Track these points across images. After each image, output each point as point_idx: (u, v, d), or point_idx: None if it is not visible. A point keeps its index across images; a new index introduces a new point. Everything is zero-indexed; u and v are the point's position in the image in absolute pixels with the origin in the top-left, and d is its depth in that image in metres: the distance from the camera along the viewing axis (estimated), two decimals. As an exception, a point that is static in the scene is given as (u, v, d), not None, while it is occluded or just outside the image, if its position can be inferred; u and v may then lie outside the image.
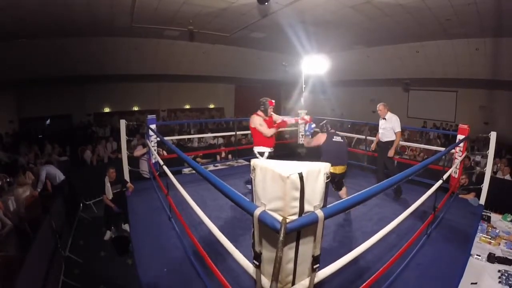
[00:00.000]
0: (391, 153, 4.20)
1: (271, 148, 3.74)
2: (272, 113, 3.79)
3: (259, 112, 3.71)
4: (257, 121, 3.62)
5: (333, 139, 3.38)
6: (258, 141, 3.69)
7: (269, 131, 3.60)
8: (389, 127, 4.23)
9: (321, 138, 3.39)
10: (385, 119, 4.27)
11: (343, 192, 3.51)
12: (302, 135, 6.20)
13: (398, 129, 4.15)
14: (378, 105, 4.41)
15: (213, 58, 12.22)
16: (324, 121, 3.60)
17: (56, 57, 9.27)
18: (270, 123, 3.70)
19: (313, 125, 3.74)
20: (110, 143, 8.77)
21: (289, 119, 4.02)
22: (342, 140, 3.44)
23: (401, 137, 4.40)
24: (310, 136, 3.63)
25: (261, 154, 3.71)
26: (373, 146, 4.74)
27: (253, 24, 8.49)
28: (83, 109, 11.94)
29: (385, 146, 4.27)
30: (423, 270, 2.34)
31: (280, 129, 4.00)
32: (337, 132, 3.52)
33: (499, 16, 6.53)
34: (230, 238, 1.58)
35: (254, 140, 3.75)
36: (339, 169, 3.31)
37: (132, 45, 10.07)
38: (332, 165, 3.25)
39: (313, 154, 6.07)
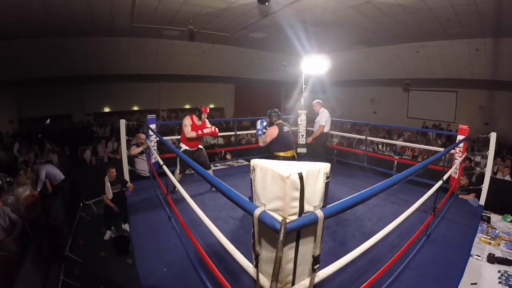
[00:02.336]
0: (309, 139, 5.14)
1: (189, 148, 4.02)
2: (206, 119, 4.08)
3: (194, 116, 3.98)
4: (186, 121, 3.92)
5: (284, 130, 3.58)
6: (183, 139, 4.04)
7: (189, 133, 3.89)
8: (317, 120, 5.07)
9: (274, 132, 3.54)
10: (318, 114, 5.05)
11: None
12: (302, 135, 6.19)
13: (321, 122, 4.94)
14: (313, 102, 5.19)
15: (213, 58, 12.20)
16: (271, 110, 3.69)
17: (56, 57, 9.26)
18: (202, 127, 3.98)
19: (265, 123, 3.82)
20: (112, 142, 8.77)
21: (209, 131, 4.05)
22: (289, 129, 3.69)
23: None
24: (262, 136, 3.72)
25: (179, 148, 4.03)
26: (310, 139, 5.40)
27: (253, 24, 8.49)
28: (83, 109, 11.93)
29: (319, 136, 5.01)
30: (423, 270, 2.34)
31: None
32: (283, 122, 3.67)
33: (499, 16, 6.52)
34: (230, 238, 1.58)
35: (181, 137, 4.09)
36: (290, 153, 3.60)
37: (132, 45, 10.05)
38: (283, 151, 3.52)
39: (313, 154, 6.11)
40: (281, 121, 3.65)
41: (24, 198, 4.79)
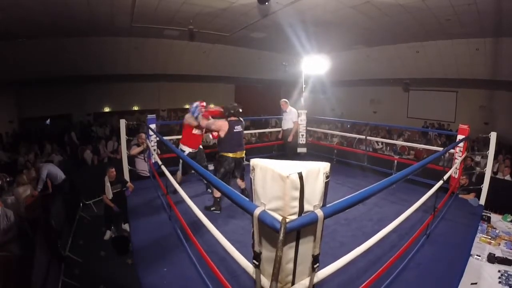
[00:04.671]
0: (290, 138, 5.46)
1: (192, 149, 3.95)
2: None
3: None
4: (189, 117, 3.83)
5: (235, 130, 3.43)
6: (184, 140, 3.99)
7: (204, 123, 3.71)
8: (289, 118, 5.49)
9: (223, 126, 3.40)
10: (286, 112, 5.50)
11: (241, 180, 3.71)
12: (302, 135, 6.17)
13: (294, 119, 5.45)
14: (280, 101, 5.63)
15: (213, 58, 12.20)
16: (232, 105, 3.54)
17: (56, 57, 9.25)
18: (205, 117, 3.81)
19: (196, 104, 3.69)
20: (112, 142, 8.76)
21: (215, 109, 4.03)
22: (241, 129, 3.54)
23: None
24: (200, 116, 3.61)
25: (183, 151, 3.89)
26: (280, 135, 5.91)
27: (253, 24, 8.49)
28: (83, 109, 11.91)
29: (286, 133, 5.55)
30: (423, 270, 2.35)
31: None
32: (239, 119, 3.55)
33: (499, 16, 6.52)
34: (230, 238, 1.58)
35: (182, 138, 4.04)
36: (240, 154, 3.54)
37: (132, 45, 10.06)
38: (231, 152, 3.42)
39: (314, 154, 6.10)
40: (236, 119, 3.49)
41: (24, 198, 4.79)
